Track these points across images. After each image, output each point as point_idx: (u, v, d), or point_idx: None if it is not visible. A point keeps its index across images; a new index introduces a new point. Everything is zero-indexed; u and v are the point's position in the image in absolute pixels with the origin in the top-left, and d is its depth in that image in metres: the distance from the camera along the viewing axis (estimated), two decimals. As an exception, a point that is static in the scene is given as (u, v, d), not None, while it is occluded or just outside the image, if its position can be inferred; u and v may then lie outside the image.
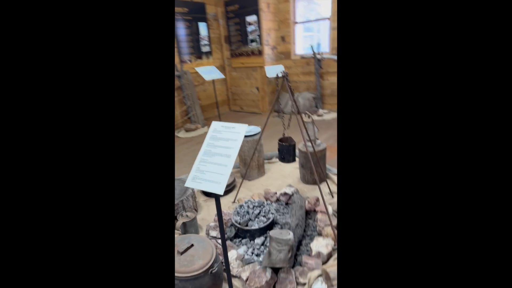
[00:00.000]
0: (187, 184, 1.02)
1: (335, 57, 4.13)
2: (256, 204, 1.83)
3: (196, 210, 2.08)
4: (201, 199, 2.28)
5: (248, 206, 1.81)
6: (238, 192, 2.23)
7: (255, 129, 2.49)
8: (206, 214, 2.07)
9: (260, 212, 1.75)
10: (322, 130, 3.68)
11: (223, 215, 1.94)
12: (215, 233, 1.74)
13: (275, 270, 1.42)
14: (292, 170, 2.63)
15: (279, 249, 1.32)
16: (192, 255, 1.32)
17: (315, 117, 4.29)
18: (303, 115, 1.72)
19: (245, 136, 2.36)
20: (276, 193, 2.13)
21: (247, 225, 1.68)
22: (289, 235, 1.35)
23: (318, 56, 4.28)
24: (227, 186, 2.28)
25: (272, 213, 1.76)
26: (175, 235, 1.75)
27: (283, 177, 2.54)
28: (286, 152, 1.72)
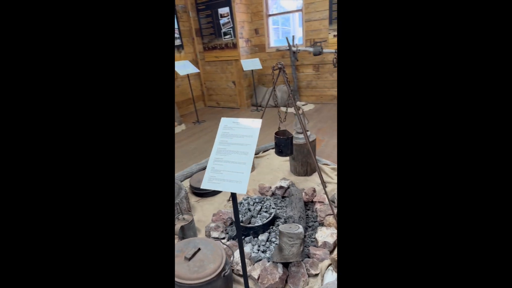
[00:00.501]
0: (203, 186, 0.95)
1: (310, 49, 4.19)
2: (257, 200, 1.79)
3: (190, 212, 1.99)
4: (192, 200, 2.18)
5: (248, 203, 1.76)
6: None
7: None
8: (201, 215, 1.99)
9: (261, 208, 1.72)
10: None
11: (220, 214, 1.87)
12: (216, 234, 1.68)
13: (285, 265, 1.40)
14: (281, 163, 2.63)
15: (291, 244, 1.31)
16: (201, 259, 1.25)
17: (293, 110, 4.33)
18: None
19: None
20: (270, 187, 2.11)
21: (249, 223, 1.64)
22: (299, 229, 1.34)
23: (294, 49, 4.31)
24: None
25: (273, 208, 1.74)
26: (175, 240, 1.65)
27: (273, 171, 2.53)
28: (284, 146, 1.70)
